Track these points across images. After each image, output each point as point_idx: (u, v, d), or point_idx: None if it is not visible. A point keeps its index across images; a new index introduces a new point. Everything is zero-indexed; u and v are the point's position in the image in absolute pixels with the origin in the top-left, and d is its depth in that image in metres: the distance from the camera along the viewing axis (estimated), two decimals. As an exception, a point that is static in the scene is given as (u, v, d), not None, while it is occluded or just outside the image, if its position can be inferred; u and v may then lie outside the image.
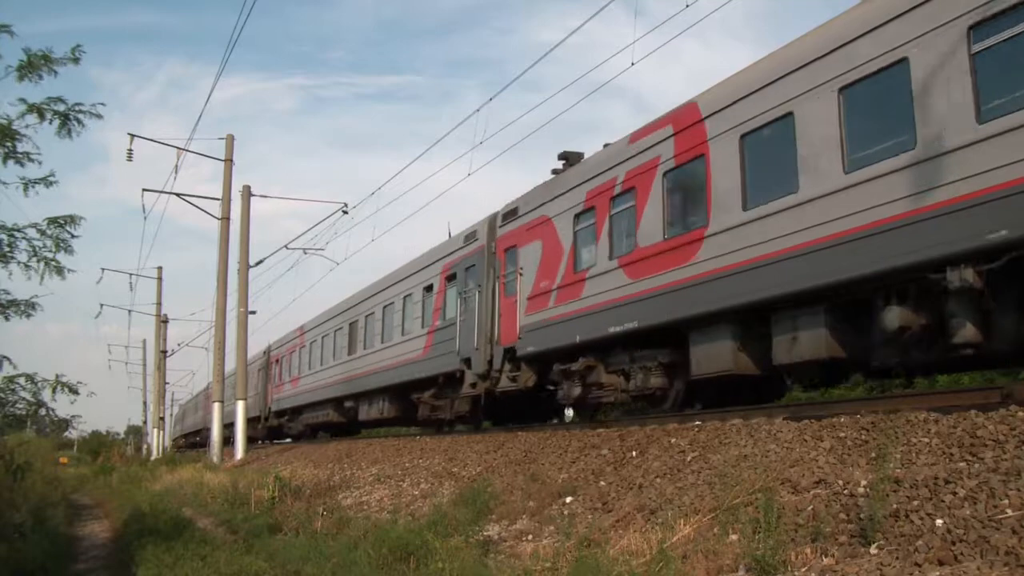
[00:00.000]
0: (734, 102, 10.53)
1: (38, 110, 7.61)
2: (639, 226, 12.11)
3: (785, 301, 9.62)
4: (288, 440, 35.04)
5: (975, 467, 5.70)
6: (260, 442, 38.54)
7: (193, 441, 57.45)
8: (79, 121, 7.84)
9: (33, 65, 7.59)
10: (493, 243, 16.56)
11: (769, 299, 9.76)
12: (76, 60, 7.80)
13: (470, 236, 17.75)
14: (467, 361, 16.90)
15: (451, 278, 18.39)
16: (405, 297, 21.13)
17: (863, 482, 6.09)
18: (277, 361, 35.36)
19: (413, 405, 20.66)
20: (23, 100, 7.59)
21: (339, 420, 27.12)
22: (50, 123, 7.71)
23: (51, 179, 7.91)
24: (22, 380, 8.51)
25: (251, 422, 37.49)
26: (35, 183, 7.85)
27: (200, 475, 19.43)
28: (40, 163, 7.82)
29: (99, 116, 8.02)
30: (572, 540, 6.88)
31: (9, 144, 7.52)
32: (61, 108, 7.72)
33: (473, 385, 16.70)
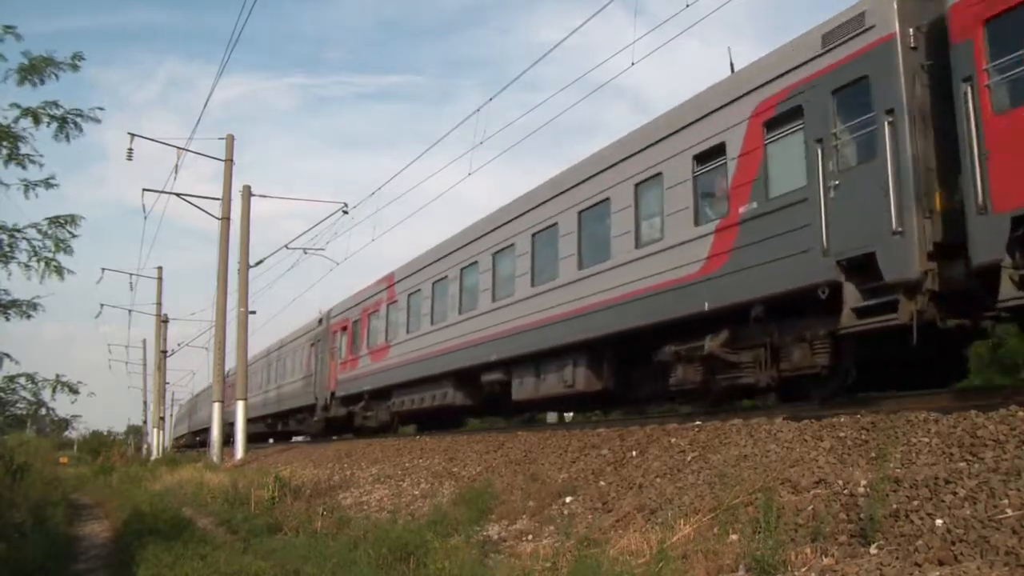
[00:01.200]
0: None
1: (33, 114, 7.60)
2: None
3: None
4: (349, 436, 25.76)
5: (975, 467, 5.70)
6: (311, 438, 31.13)
7: (203, 439, 52.27)
8: (76, 125, 7.85)
9: (36, 68, 7.60)
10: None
11: None
12: (76, 67, 7.82)
13: (849, 26, 9.47)
14: (857, 264, 8.94)
15: (780, 120, 10.18)
16: (638, 185, 12.58)
17: (863, 482, 6.09)
18: (344, 329, 25.85)
19: (648, 367, 12.43)
20: (16, 105, 7.60)
21: (465, 403, 18.36)
22: (47, 126, 7.71)
23: (52, 182, 7.92)
24: (22, 380, 8.52)
25: (300, 412, 30.56)
26: (36, 185, 7.86)
27: (200, 475, 19.44)
28: (42, 166, 7.83)
29: (97, 120, 8.03)
30: (572, 540, 6.88)
31: (10, 145, 7.53)
32: (58, 112, 7.72)
33: (881, 309, 8.66)
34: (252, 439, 36.71)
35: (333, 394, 25.95)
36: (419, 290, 20.43)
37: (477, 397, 17.97)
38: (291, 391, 31.60)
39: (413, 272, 21.01)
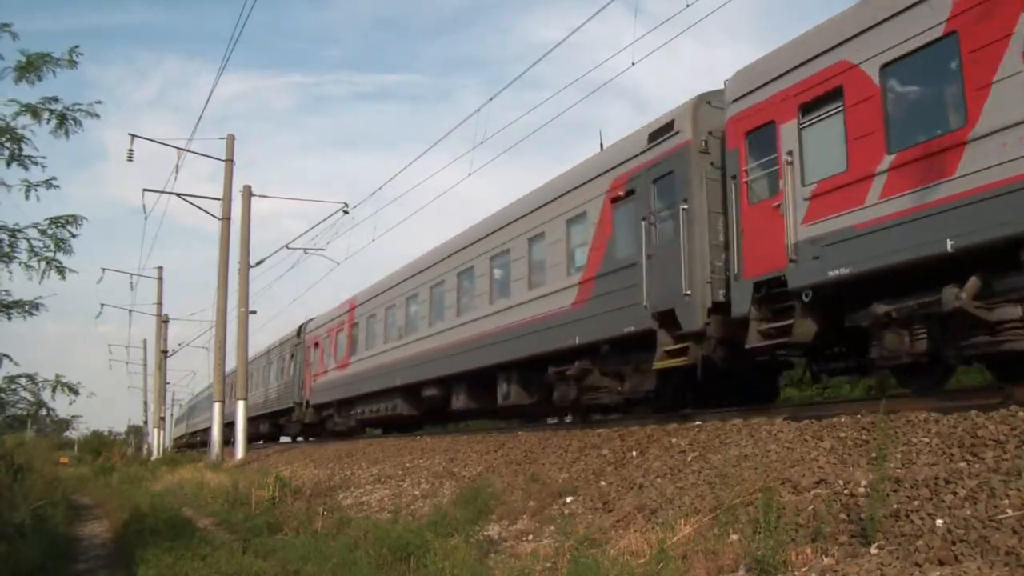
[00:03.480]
0: None
1: (33, 110, 7.59)
2: None
3: None
4: (758, 418, 9.31)
5: (975, 467, 5.70)
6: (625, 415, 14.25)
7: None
8: (76, 121, 7.84)
9: (34, 65, 7.59)
10: None
11: None
12: (73, 63, 7.79)
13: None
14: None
15: None
16: None
17: (863, 482, 6.09)
18: (814, 103, 9.06)
19: None
20: (16, 101, 7.58)
21: None
22: (47, 123, 7.70)
23: (53, 183, 7.91)
24: (23, 380, 8.50)
25: (554, 361, 13.88)
26: (37, 186, 7.85)
27: (200, 475, 19.44)
28: (44, 167, 7.83)
29: (96, 116, 8.01)
30: (572, 540, 6.88)
31: (12, 145, 7.52)
32: (57, 108, 7.70)
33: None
34: (345, 432, 26.60)
35: (770, 284, 9.66)
36: None
37: None
38: (538, 314, 14.50)
39: None
